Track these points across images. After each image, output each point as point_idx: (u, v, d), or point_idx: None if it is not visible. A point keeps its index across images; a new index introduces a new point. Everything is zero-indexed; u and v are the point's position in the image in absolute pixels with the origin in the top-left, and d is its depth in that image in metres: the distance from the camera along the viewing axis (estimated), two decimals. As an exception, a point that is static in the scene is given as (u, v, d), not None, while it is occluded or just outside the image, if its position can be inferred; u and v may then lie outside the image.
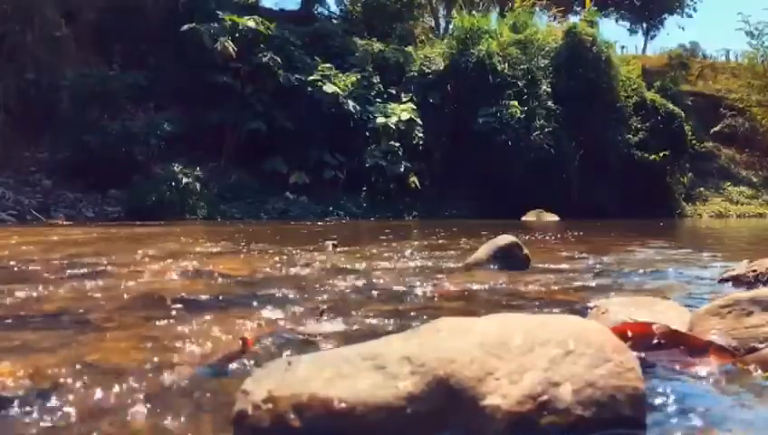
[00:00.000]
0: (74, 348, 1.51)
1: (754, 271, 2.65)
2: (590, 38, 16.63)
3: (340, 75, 15.22)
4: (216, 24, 14.28)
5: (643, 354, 1.29)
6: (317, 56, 15.54)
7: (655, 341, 1.35)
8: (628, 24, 32.04)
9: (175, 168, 12.32)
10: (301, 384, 0.92)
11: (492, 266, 3.20)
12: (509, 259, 3.25)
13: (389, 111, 15.35)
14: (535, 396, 0.90)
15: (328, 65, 15.26)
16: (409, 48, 17.55)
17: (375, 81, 16.13)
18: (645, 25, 31.75)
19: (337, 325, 1.78)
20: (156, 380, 1.24)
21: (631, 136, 17.03)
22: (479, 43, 16.07)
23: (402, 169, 14.69)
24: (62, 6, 13.39)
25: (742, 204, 21.34)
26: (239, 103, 14.12)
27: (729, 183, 22.40)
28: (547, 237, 6.92)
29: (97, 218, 10.86)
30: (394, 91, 16.31)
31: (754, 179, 22.95)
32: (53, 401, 1.12)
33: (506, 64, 16.03)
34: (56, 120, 12.34)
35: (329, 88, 14.54)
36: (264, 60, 14.29)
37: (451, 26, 19.17)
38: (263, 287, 2.53)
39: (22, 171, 11.93)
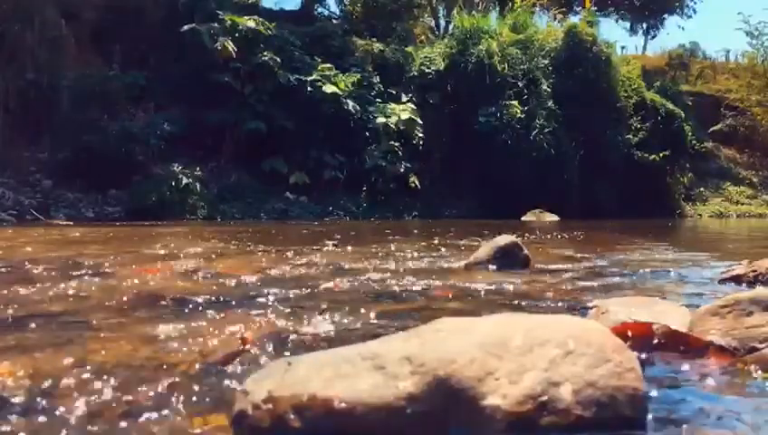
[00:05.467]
0: (74, 348, 1.51)
1: (754, 271, 2.65)
2: (590, 38, 16.62)
3: (340, 75, 15.20)
4: (216, 24, 14.26)
5: (643, 355, 1.29)
6: (317, 56, 15.52)
7: (655, 341, 1.35)
8: (628, 24, 32.03)
9: (175, 168, 12.31)
10: (301, 384, 0.92)
11: (492, 266, 3.20)
12: (509, 259, 3.25)
13: (389, 111, 15.33)
14: (535, 396, 0.90)
15: (328, 65, 15.24)
16: (409, 48, 17.53)
17: (375, 81, 16.10)
18: (645, 25, 31.73)
19: (337, 325, 1.78)
20: (155, 380, 1.24)
21: (631, 136, 17.03)
22: (479, 44, 16.05)
23: (402, 169, 14.68)
24: (62, 6, 13.37)
25: (742, 204, 21.34)
26: (239, 103, 14.11)
27: (729, 183, 22.40)
28: (547, 237, 6.92)
29: (97, 218, 10.85)
30: (394, 92, 16.29)
31: (754, 179, 22.95)
32: (53, 401, 1.12)
33: (506, 64, 16.01)
34: (56, 120, 12.32)
35: (329, 88, 14.53)
36: (264, 60, 14.28)
37: (451, 26, 19.15)
38: (263, 287, 2.53)
39: (22, 171, 11.92)
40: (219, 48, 13.83)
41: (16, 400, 1.12)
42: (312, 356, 1.02)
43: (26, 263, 3.44)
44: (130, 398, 1.14)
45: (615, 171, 15.88)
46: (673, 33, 74.51)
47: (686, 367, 1.29)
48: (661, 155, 16.79)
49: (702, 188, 21.46)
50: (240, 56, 14.11)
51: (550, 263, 3.56)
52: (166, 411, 1.07)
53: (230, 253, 4.38)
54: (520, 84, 15.86)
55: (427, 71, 16.66)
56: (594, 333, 1.02)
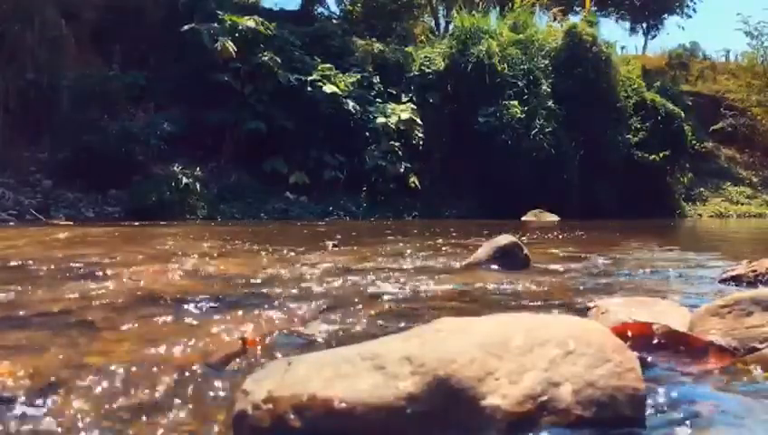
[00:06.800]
0: (74, 348, 1.51)
1: (754, 271, 2.65)
2: (590, 38, 16.62)
3: (340, 75, 15.20)
4: (216, 24, 14.26)
5: (643, 355, 1.29)
6: (317, 56, 15.52)
7: (655, 341, 1.35)
8: (628, 24, 32.03)
9: (175, 168, 12.31)
10: (301, 384, 0.92)
11: (492, 266, 3.20)
12: (509, 259, 3.25)
13: (389, 111, 15.33)
14: (535, 396, 0.90)
15: (328, 65, 15.24)
16: (409, 48, 17.53)
17: (375, 81, 16.10)
18: (645, 25, 31.73)
19: (337, 325, 1.78)
20: (155, 380, 1.24)
21: (631, 136, 17.03)
22: (479, 44, 16.04)
23: (402, 169, 14.67)
24: (62, 6, 13.37)
25: (742, 204, 21.34)
26: (239, 103, 14.11)
27: (729, 183, 22.40)
28: (547, 237, 6.92)
29: (97, 218, 10.85)
30: (394, 92, 16.29)
31: (754, 179, 22.96)
32: (53, 401, 1.12)
33: (506, 64, 16.01)
34: (56, 120, 12.32)
35: (329, 88, 14.53)
36: (264, 60, 14.28)
37: (451, 26, 19.15)
38: (263, 287, 2.53)
39: (22, 171, 11.92)
40: (219, 48, 13.82)
41: (16, 400, 1.12)
42: (312, 356, 1.02)
43: (26, 263, 3.44)
44: (130, 398, 1.14)
45: (615, 171, 15.87)
46: (673, 33, 74.48)
47: (686, 367, 1.29)
48: (661, 155, 16.79)
49: (702, 188, 21.46)
50: (240, 56, 14.11)
51: (550, 263, 3.56)
52: (166, 412, 1.07)
53: (230, 253, 4.38)
54: (520, 84, 15.86)
55: (427, 71, 16.66)
56: (594, 333, 1.02)
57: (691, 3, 30.30)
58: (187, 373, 1.30)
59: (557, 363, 0.94)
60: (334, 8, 21.47)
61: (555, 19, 19.66)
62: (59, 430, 1.00)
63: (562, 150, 15.27)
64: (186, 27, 13.84)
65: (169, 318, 1.87)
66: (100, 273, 2.98)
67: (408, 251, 4.37)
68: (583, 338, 0.99)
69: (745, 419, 1.02)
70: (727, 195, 21.85)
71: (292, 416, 0.89)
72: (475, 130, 14.94)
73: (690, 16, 30.87)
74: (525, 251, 3.34)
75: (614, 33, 59.40)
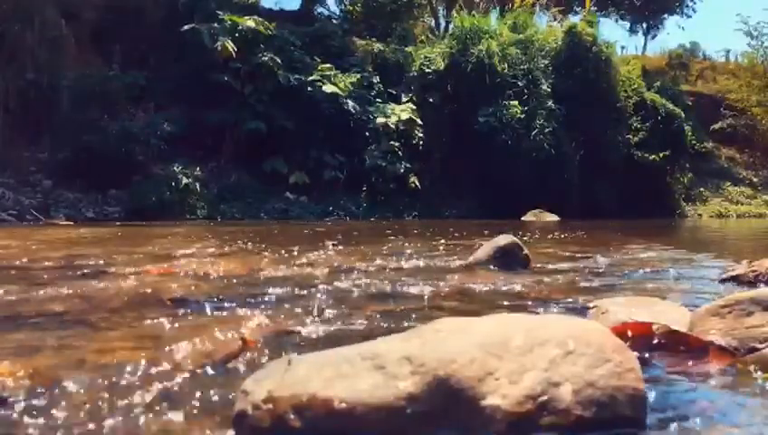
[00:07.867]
0: (74, 348, 1.51)
1: (755, 271, 2.65)
2: (590, 38, 16.62)
3: (340, 75, 15.21)
4: (216, 24, 14.27)
5: (643, 355, 1.29)
6: (317, 56, 15.53)
7: (655, 341, 1.35)
8: (628, 24, 32.04)
9: (175, 168, 12.32)
10: (301, 384, 0.92)
11: (492, 266, 3.20)
12: (509, 259, 3.25)
13: (389, 111, 15.33)
14: (535, 396, 0.90)
15: (328, 65, 15.25)
16: (409, 48, 17.54)
17: (375, 81, 16.11)
18: (645, 25, 31.74)
19: (337, 325, 1.78)
20: (155, 380, 1.24)
21: (631, 136, 17.04)
22: (479, 44, 16.05)
23: (402, 169, 14.68)
24: (62, 6, 13.37)
25: (742, 204, 21.34)
26: (239, 103, 14.12)
27: (729, 183, 22.40)
28: (547, 237, 6.92)
29: (97, 219, 10.86)
30: (394, 92, 16.30)
31: (754, 179, 22.96)
32: (53, 401, 1.12)
33: (506, 64, 16.01)
34: (56, 120, 12.33)
35: (329, 88, 14.54)
36: (264, 60, 14.29)
37: (451, 26, 19.15)
38: (263, 287, 2.53)
39: (22, 171, 11.92)
40: (219, 48, 13.83)
41: (16, 400, 1.12)
42: (312, 356, 1.02)
43: (26, 263, 3.44)
44: (130, 398, 1.14)
45: (615, 171, 15.88)
46: (673, 33, 74.50)
47: (686, 367, 1.29)
48: (661, 155, 16.80)
49: (702, 188, 21.46)
50: (240, 56, 14.12)
51: (550, 263, 3.56)
52: (165, 412, 1.07)
53: (230, 253, 4.38)
54: (520, 84, 15.85)
55: (427, 71, 16.65)
56: (594, 333, 1.02)
57: (691, 3, 30.35)
58: (186, 373, 1.29)
59: (557, 363, 0.94)
60: (334, 8, 21.49)
61: (555, 19, 19.67)
62: (58, 430, 1.00)
63: (562, 150, 15.26)
64: (186, 27, 13.85)
65: (169, 318, 1.87)
66: (100, 273, 2.98)
67: (408, 251, 4.37)
68: (583, 338, 0.99)
69: (745, 419, 1.02)
70: (727, 195, 21.85)
71: (292, 416, 0.89)
72: (475, 130, 14.94)
73: (690, 16, 30.96)
74: (525, 251, 3.34)
75: (614, 33, 59.39)
